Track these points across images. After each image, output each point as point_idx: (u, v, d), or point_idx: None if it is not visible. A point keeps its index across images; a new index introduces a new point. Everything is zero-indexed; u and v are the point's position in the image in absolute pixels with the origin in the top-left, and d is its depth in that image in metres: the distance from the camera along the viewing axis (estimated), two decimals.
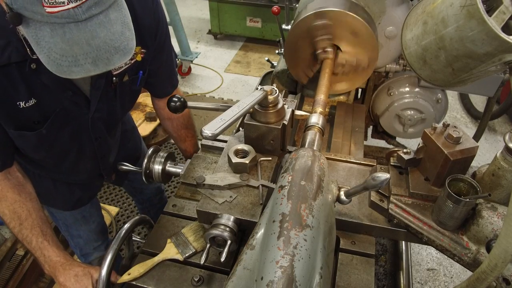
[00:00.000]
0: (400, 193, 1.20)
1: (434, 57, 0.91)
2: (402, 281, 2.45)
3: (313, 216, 0.88)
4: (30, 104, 1.18)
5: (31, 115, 1.21)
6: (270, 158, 1.25)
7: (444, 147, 1.11)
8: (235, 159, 1.20)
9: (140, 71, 1.43)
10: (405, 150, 1.23)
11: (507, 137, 1.00)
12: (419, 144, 1.21)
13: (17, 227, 1.29)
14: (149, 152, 1.45)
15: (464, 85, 0.96)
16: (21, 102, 1.17)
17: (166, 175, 1.45)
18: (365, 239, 1.23)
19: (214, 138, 0.95)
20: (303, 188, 0.94)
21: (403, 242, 2.66)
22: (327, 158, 1.46)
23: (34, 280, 2.48)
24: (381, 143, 2.70)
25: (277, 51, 2.47)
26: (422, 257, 2.90)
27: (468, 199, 1.02)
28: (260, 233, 0.90)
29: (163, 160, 1.43)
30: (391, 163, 1.28)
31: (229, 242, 1.06)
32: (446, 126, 1.16)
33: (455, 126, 1.15)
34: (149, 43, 1.38)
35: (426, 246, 2.90)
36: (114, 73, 1.33)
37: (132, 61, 1.36)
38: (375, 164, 1.39)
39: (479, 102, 4.11)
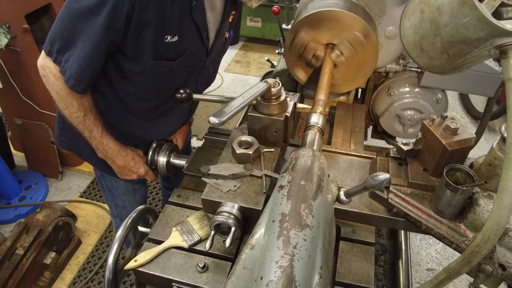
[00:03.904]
0: (400, 183, 1.22)
1: (430, 44, 0.95)
2: (401, 281, 2.46)
3: (312, 216, 0.88)
4: (173, 40, 1.30)
5: (169, 50, 1.33)
6: (273, 150, 1.29)
7: (442, 137, 1.14)
8: (239, 150, 1.23)
9: (231, 31, 1.58)
10: (404, 141, 1.26)
11: (503, 128, 1.03)
12: (417, 136, 1.24)
13: (81, 116, 1.39)
14: (154, 145, 1.48)
15: (459, 71, 0.99)
16: (168, 36, 1.29)
17: (171, 167, 1.48)
18: (365, 228, 1.26)
19: (220, 125, 0.98)
20: (303, 188, 0.94)
21: (403, 242, 2.68)
22: (328, 151, 1.49)
23: (33, 279, 2.50)
24: (381, 143, 2.71)
25: (277, 51, 2.49)
26: (421, 257, 2.92)
27: (465, 188, 1.05)
28: (259, 232, 0.91)
29: (167, 152, 1.47)
30: (391, 155, 1.31)
31: (233, 228, 1.08)
32: (444, 118, 1.19)
33: (453, 118, 1.18)
34: (238, 4, 1.52)
35: (425, 246, 2.94)
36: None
37: (229, 21, 1.51)
38: (375, 157, 1.42)
39: (479, 102, 4.12)
